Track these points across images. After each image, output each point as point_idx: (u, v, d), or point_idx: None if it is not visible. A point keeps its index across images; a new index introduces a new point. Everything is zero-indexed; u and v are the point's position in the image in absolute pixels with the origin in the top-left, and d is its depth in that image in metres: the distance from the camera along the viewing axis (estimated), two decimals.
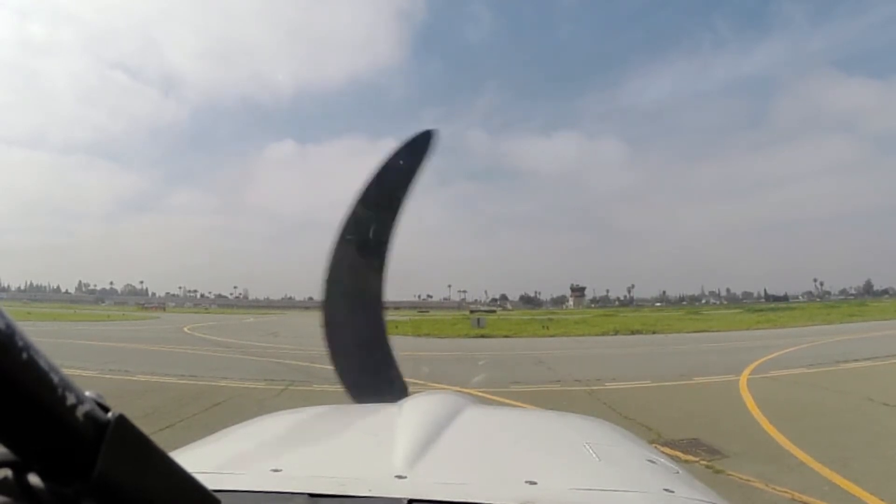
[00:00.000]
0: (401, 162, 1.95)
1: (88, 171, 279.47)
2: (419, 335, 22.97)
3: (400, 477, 0.76)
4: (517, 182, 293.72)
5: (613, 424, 1.47)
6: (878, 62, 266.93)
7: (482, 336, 22.32)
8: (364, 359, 1.97)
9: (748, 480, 4.06)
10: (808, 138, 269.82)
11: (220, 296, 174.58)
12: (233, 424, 1.29)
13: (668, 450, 4.60)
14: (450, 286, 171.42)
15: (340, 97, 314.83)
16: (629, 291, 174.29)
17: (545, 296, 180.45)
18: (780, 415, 6.20)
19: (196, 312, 68.69)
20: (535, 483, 0.75)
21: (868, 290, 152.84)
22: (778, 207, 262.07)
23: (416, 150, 1.98)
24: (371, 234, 1.89)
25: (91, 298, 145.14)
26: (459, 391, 1.70)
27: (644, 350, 15.69)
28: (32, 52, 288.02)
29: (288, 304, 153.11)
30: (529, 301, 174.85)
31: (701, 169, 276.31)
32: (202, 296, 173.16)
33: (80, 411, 0.35)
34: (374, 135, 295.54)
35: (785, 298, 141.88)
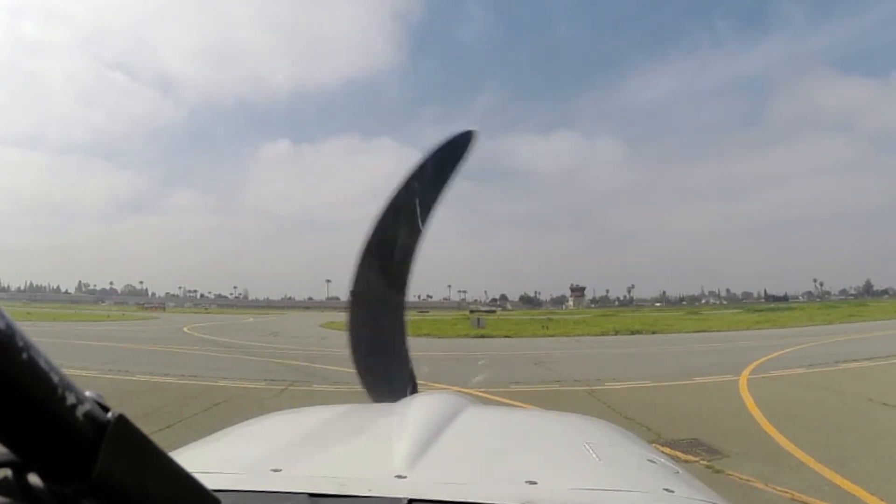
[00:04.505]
0: (437, 161, 1.84)
1: (87, 172, 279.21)
2: (419, 335, 22.97)
3: (400, 477, 0.76)
4: (516, 182, 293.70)
5: (613, 424, 1.47)
6: (875, 61, 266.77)
7: (482, 336, 22.33)
8: (383, 358, 1.92)
9: (748, 480, 4.07)
10: (807, 138, 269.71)
11: (219, 296, 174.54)
12: (233, 424, 1.29)
13: (668, 450, 4.60)
14: (450, 286, 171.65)
15: (338, 97, 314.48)
16: (629, 291, 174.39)
17: (545, 296, 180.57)
18: (779, 415, 6.20)
19: (196, 312, 68.68)
20: (535, 483, 0.75)
21: (868, 290, 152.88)
22: (777, 207, 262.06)
23: (454, 150, 1.87)
24: (401, 235, 1.81)
25: (91, 298, 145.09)
26: (459, 391, 1.70)
27: (644, 350, 15.69)
28: (30, 52, 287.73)
29: (288, 304, 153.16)
30: (529, 301, 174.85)
31: (700, 168, 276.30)
32: (202, 296, 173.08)
33: (80, 411, 0.35)
34: (372, 134, 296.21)
35: (785, 298, 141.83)
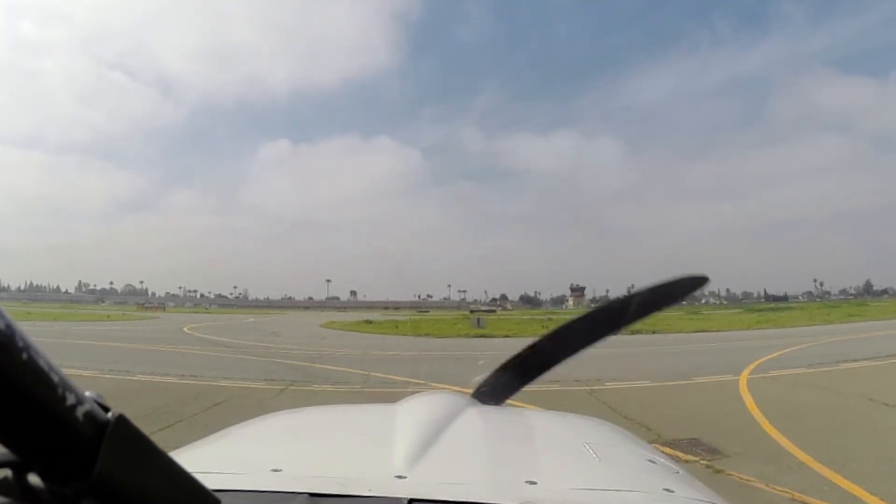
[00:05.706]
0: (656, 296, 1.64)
1: (87, 172, 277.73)
2: (419, 335, 22.98)
3: (400, 477, 0.76)
4: (515, 182, 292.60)
5: (613, 424, 1.47)
6: (875, 61, 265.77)
7: (482, 336, 22.30)
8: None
9: (748, 480, 4.06)
10: (807, 138, 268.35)
11: (220, 296, 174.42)
12: (233, 424, 1.29)
13: (668, 450, 4.60)
14: (450, 286, 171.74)
15: (337, 97, 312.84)
16: (629, 291, 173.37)
17: (545, 296, 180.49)
18: (779, 415, 6.20)
19: (196, 312, 68.66)
20: (535, 483, 0.75)
21: (868, 290, 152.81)
22: (777, 207, 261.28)
23: (676, 289, 1.64)
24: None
25: (91, 298, 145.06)
26: (459, 391, 1.69)
27: (644, 350, 15.68)
28: (30, 52, 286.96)
29: (288, 304, 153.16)
30: (529, 301, 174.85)
31: (700, 168, 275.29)
32: (202, 296, 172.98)
33: (80, 411, 0.35)
34: (371, 134, 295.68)
35: (785, 298, 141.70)
